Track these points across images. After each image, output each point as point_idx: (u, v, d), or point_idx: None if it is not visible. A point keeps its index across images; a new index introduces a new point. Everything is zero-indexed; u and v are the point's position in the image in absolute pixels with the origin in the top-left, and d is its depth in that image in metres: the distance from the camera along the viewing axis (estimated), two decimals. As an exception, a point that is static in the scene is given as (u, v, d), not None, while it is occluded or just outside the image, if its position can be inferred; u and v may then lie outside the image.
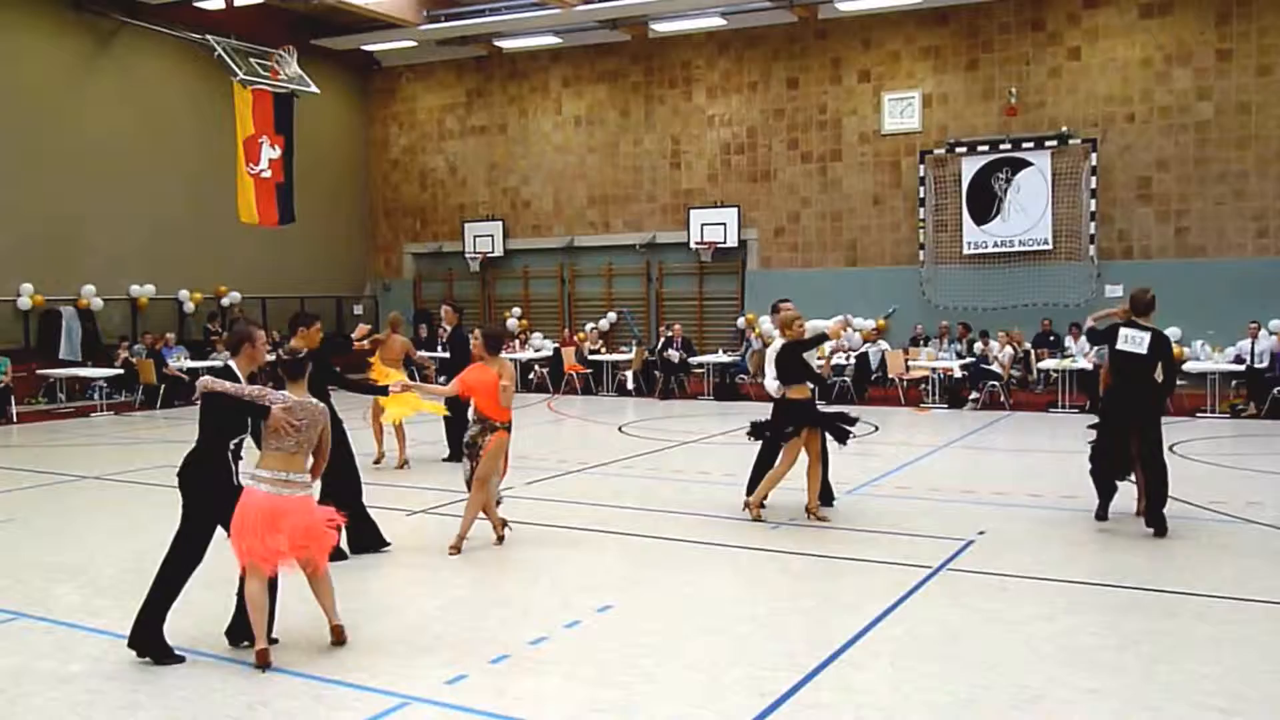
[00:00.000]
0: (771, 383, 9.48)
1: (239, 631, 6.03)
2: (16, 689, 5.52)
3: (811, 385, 9.44)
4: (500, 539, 8.54)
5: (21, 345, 19.78)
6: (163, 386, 19.60)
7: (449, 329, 13.50)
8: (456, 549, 8.29)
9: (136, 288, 21.70)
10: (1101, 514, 9.09)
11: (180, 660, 5.86)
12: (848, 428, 9.35)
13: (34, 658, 6.00)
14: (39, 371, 19.64)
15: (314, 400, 6.15)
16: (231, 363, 6.21)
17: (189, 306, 22.75)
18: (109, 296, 21.12)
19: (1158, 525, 8.64)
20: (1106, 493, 9.11)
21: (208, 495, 5.99)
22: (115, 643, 6.20)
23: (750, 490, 9.70)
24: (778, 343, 9.60)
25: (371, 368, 12.74)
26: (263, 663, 5.70)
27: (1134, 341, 8.87)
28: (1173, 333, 18.47)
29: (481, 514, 8.48)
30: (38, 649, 6.15)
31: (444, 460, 12.84)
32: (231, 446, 6.02)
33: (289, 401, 5.97)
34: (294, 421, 5.90)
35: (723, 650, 6.00)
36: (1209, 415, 16.98)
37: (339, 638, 6.08)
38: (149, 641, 5.89)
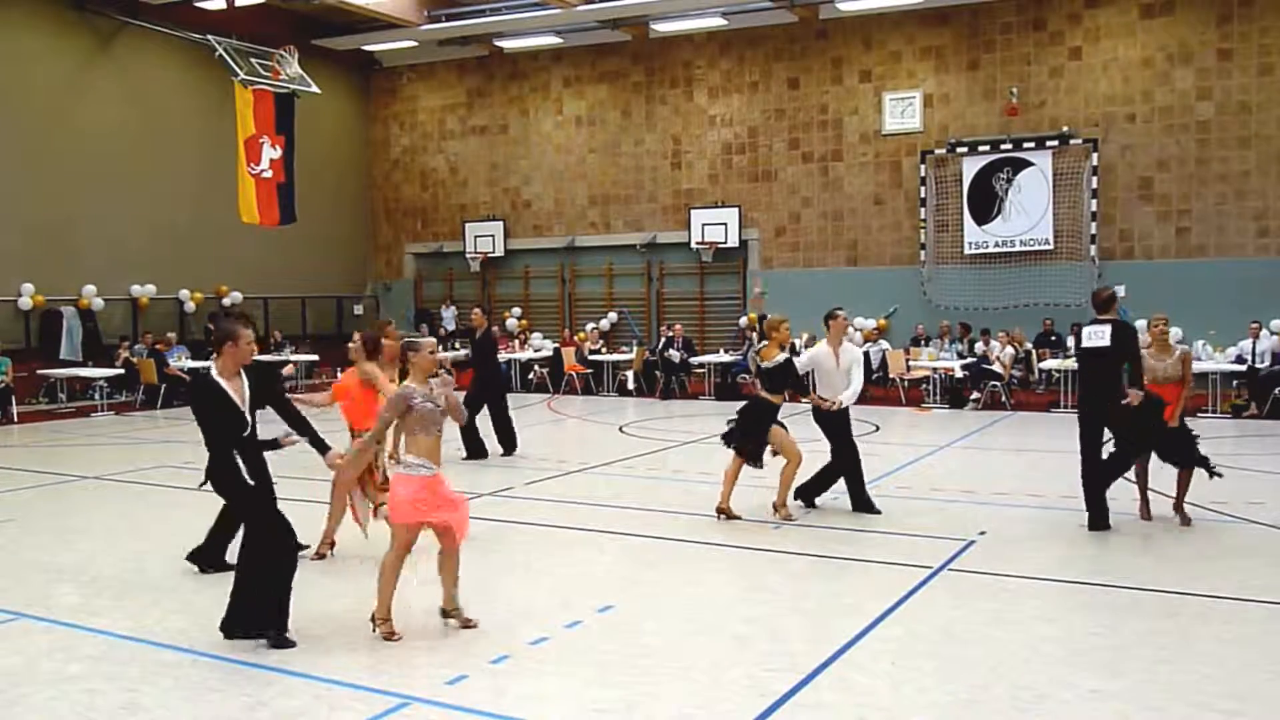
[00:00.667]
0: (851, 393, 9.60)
1: (233, 623, 6.08)
2: (16, 689, 5.51)
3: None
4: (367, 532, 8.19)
5: (22, 345, 19.77)
6: (163, 386, 19.59)
7: (479, 331, 13.85)
8: (320, 555, 8.10)
9: (137, 288, 21.69)
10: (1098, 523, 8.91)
11: (292, 645, 6.03)
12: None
13: (34, 658, 6.00)
14: (40, 371, 19.64)
15: (435, 383, 6.29)
16: (212, 365, 6.17)
17: (190, 306, 22.74)
18: (110, 296, 21.12)
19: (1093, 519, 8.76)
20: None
21: (233, 496, 6.12)
22: (115, 643, 6.20)
23: (794, 493, 9.84)
24: (819, 348, 9.88)
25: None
26: (386, 634, 6.16)
27: (1097, 336, 8.77)
28: (1175, 333, 18.46)
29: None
30: (38, 649, 6.14)
31: (462, 460, 12.89)
32: (236, 450, 6.06)
33: (417, 392, 6.20)
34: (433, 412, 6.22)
35: (723, 651, 6.00)
36: (1210, 415, 16.97)
37: (459, 621, 6.39)
38: (271, 622, 6.05)
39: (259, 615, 6.05)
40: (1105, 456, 9.01)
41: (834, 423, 9.66)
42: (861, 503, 9.67)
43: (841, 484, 9.81)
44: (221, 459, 6.06)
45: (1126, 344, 8.75)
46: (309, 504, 8.58)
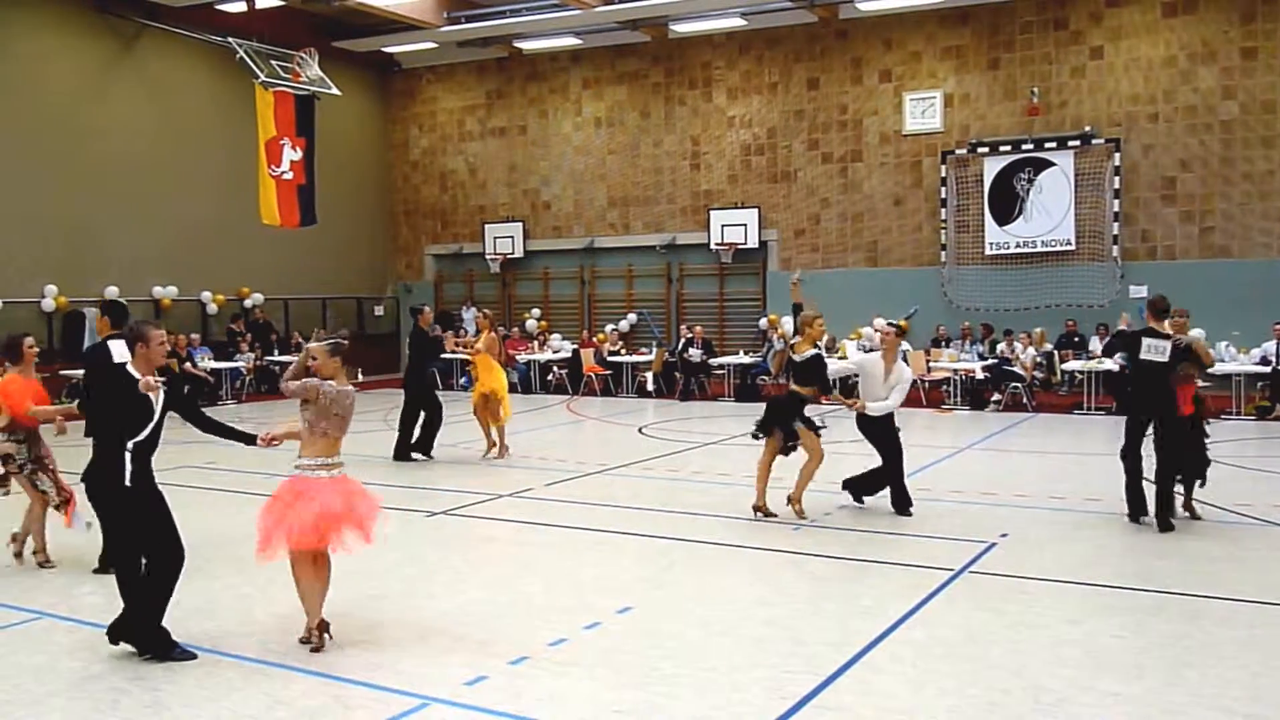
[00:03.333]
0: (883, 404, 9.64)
1: (117, 631, 5.98)
2: (41, 688, 5.56)
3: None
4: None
5: (45, 346, 19.89)
6: (186, 387, 19.67)
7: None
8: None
9: (159, 289, 21.82)
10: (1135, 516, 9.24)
11: (192, 657, 5.92)
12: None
13: (58, 657, 6.04)
14: (62, 372, 19.76)
15: (344, 387, 6.16)
16: (129, 365, 6.06)
17: (212, 308, 22.87)
18: (132, 298, 21.17)
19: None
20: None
21: (106, 497, 5.98)
22: (138, 642, 6.24)
23: (842, 484, 10.00)
24: (870, 355, 10.18)
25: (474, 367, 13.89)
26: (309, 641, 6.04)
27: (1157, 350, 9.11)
28: (1197, 333, 18.31)
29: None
30: (61, 648, 6.19)
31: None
32: (130, 447, 5.95)
33: (332, 390, 6.08)
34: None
35: (743, 652, 5.99)
36: (1234, 417, 16.82)
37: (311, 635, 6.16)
38: (153, 640, 5.93)
39: (143, 632, 5.92)
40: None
41: (876, 429, 9.71)
42: (898, 501, 9.72)
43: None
44: (109, 455, 5.94)
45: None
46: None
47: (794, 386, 9.51)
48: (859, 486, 9.99)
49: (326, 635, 6.06)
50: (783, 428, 9.41)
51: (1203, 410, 9.42)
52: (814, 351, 9.52)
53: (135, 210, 21.38)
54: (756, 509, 9.52)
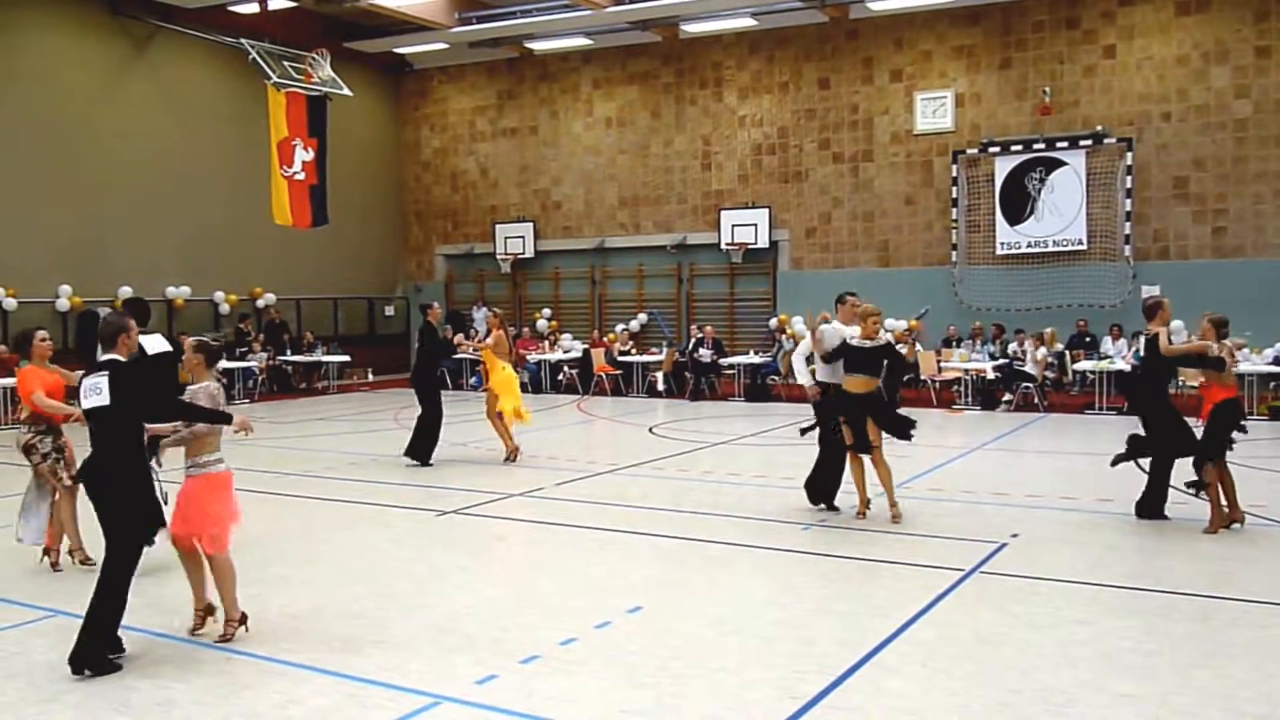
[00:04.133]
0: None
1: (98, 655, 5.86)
2: (53, 686, 5.59)
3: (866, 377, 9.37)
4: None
5: (60, 346, 19.97)
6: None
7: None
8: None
9: (172, 289, 21.92)
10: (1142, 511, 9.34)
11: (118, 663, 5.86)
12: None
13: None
14: (77, 372, 19.85)
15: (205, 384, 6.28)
16: (116, 356, 6.07)
17: (224, 308, 22.96)
18: (146, 298, 21.24)
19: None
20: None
21: (136, 489, 5.99)
22: (151, 641, 6.27)
23: (811, 495, 9.83)
24: (827, 326, 9.92)
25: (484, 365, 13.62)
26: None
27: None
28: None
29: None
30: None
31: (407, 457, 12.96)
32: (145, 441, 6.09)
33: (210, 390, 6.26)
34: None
35: (753, 652, 5.99)
36: (1246, 418, 16.71)
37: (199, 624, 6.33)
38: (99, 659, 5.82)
39: (112, 638, 5.86)
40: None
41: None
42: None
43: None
44: (137, 448, 5.97)
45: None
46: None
47: (848, 383, 9.33)
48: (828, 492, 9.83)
49: (244, 627, 6.25)
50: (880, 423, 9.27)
51: (1226, 415, 9.06)
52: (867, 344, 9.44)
53: (148, 210, 21.48)
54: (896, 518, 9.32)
